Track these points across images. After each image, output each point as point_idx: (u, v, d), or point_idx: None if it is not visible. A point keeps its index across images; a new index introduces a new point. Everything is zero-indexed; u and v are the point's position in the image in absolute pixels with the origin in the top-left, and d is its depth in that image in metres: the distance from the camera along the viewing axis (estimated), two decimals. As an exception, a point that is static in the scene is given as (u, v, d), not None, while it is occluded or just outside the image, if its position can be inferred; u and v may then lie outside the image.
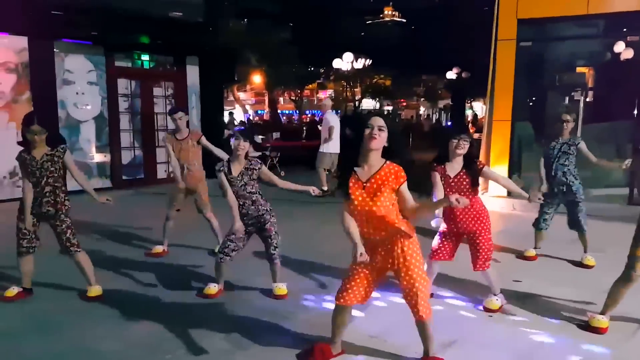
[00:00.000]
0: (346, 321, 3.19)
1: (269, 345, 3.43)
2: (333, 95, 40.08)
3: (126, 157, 9.96)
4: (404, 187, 2.86)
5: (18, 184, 7.67)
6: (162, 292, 4.45)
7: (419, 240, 3.06)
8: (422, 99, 43.20)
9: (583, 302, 4.15)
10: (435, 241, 4.17)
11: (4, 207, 7.43)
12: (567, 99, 9.23)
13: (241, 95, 36.35)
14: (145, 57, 10.38)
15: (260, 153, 12.08)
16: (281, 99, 40.33)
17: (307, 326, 3.68)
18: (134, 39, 9.78)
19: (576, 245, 5.41)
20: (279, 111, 32.12)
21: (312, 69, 29.33)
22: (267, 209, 4.23)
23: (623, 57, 9.60)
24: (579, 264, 5.28)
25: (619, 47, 9.52)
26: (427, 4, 29.74)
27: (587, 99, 9.92)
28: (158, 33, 9.98)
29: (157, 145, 10.27)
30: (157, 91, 10.52)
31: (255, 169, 4.15)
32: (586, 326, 3.66)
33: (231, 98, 33.76)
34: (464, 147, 3.93)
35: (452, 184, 3.97)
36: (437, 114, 44.01)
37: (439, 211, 4.24)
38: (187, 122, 5.59)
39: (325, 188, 8.98)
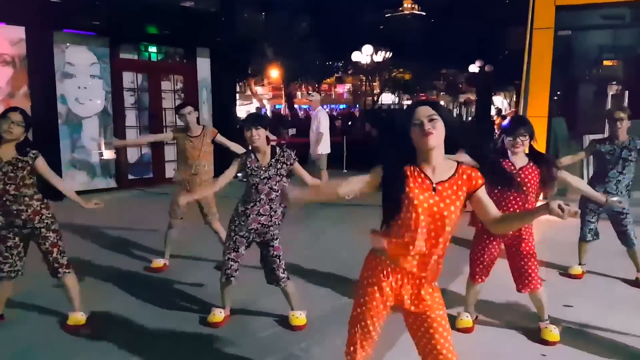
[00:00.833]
0: None
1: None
2: (351, 89, 39.61)
3: (133, 155, 9.41)
4: (483, 192, 2.15)
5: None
6: (158, 318, 3.84)
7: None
8: (442, 93, 42.37)
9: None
10: (473, 259, 3.55)
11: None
12: (609, 93, 8.41)
13: (258, 89, 35.94)
14: (152, 49, 9.82)
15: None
16: (298, 93, 39.92)
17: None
18: (141, 29, 9.22)
19: (623, 259, 4.70)
20: (295, 106, 31.64)
21: (331, 62, 28.77)
22: (278, 222, 3.59)
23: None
24: (635, 283, 4.57)
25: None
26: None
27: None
28: (167, 23, 9.42)
29: (165, 142, 9.71)
30: (166, 85, 9.95)
31: (287, 163, 3.52)
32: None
33: (248, 92, 33.35)
34: (522, 145, 3.30)
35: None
36: (458, 108, 43.20)
37: None
38: (198, 119, 4.99)
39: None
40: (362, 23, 25.89)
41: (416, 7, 48.12)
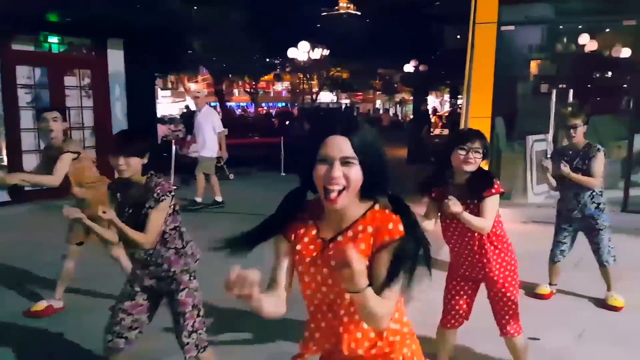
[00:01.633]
0: None
1: None
2: (290, 87, 39.13)
3: (30, 162, 8.12)
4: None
5: None
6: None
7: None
8: (379, 92, 42.81)
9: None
10: (444, 301, 2.88)
11: None
12: (554, 91, 8.16)
13: (192, 86, 34.64)
14: (53, 39, 8.69)
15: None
16: (235, 90, 39.00)
17: None
18: (38, 16, 8.06)
19: (588, 272, 4.35)
20: (233, 104, 30.77)
21: (268, 59, 28.22)
22: (174, 271, 2.61)
23: (609, 46, 8.71)
24: (604, 304, 4.10)
25: (583, 39, 8.69)
26: (382, -3, 29.13)
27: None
28: (72, 10, 8.29)
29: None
30: (70, 81, 8.79)
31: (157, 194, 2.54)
32: None
33: (181, 89, 32.07)
34: (475, 161, 2.60)
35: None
36: (394, 107, 43.76)
37: None
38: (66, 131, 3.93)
39: (220, 199, 7.90)
40: (299, 21, 25.58)
41: (352, 6, 48.40)
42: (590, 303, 4.17)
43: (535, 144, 7.68)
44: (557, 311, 4.06)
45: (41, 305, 3.92)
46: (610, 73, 10.33)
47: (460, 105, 8.59)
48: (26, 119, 8.12)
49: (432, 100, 36.93)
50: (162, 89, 31.59)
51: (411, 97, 29.83)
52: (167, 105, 34.45)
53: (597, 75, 9.20)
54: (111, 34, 8.98)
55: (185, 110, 21.48)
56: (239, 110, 34.01)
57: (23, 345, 3.39)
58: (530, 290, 4.35)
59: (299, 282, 1.52)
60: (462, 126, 7.82)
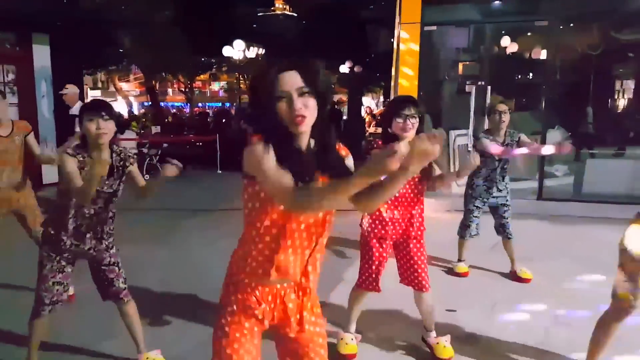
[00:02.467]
0: None
1: None
2: (227, 86, 38.62)
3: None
4: None
5: None
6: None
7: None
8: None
9: (540, 340, 3.25)
10: (368, 268, 3.05)
11: None
12: (473, 89, 8.67)
13: (124, 85, 33.52)
14: (-25, 34, 8.23)
15: (136, 150, 10.39)
16: (170, 90, 38.05)
17: None
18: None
19: (499, 251, 4.67)
20: (167, 103, 30.06)
21: (203, 58, 27.72)
22: (108, 234, 2.79)
23: (524, 45, 9.38)
24: (514, 277, 4.51)
25: (504, 41, 9.32)
26: (317, -1, 29.43)
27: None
28: (-7, 3, 7.89)
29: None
30: (-7, 76, 8.42)
31: (127, 164, 2.74)
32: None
33: (112, 89, 30.91)
34: (412, 127, 2.79)
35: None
36: (330, 107, 44.15)
37: None
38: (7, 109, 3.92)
39: None
40: (234, 20, 25.34)
41: (288, 7, 48.44)
42: (504, 279, 4.54)
43: (458, 138, 8.17)
44: (474, 287, 4.40)
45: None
46: (529, 74, 11.03)
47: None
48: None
49: (368, 101, 37.61)
50: (91, 89, 30.36)
51: (347, 98, 30.28)
52: (96, 104, 33.11)
53: (516, 75, 9.86)
54: (36, 28, 8.64)
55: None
56: (174, 110, 33.25)
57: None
58: (451, 270, 4.70)
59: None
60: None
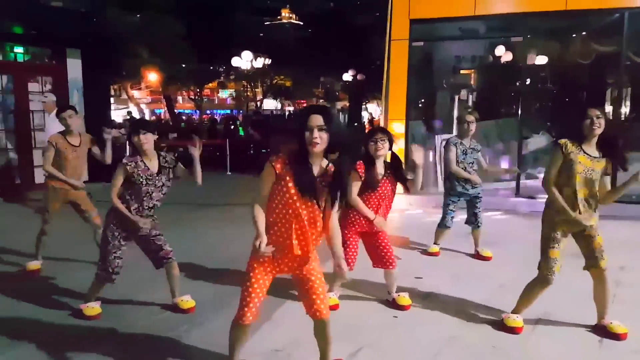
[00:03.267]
0: (247, 338, 2.90)
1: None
2: (234, 94, 39.59)
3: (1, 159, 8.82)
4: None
5: None
6: (35, 315, 3.86)
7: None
8: (322, 100, 43.82)
9: (484, 298, 4.20)
10: (348, 252, 3.95)
11: None
12: (456, 98, 9.63)
13: (136, 93, 34.55)
14: (18, 50, 9.34)
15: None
16: (180, 98, 38.98)
17: (204, 344, 3.35)
18: (4, 28, 8.68)
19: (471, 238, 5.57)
20: (176, 110, 30.94)
21: (212, 67, 28.58)
22: (156, 221, 3.85)
23: (504, 59, 10.28)
24: (478, 256, 5.42)
25: (499, 50, 10.20)
26: (322, 7, 30.18)
27: (474, 99, 10.45)
28: (34, 23, 8.98)
29: (34, 146, 9.23)
30: (33, 87, 9.46)
31: (171, 167, 3.77)
32: (501, 326, 3.63)
33: (124, 96, 31.93)
34: (383, 147, 3.72)
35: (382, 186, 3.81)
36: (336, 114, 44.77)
37: None
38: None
39: None
40: (241, 29, 26.07)
41: (294, 16, 49.34)
42: (467, 257, 5.50)
43: (444, 142, 9.05)
44: (440, 262, 5.38)
45: (33, 265, 4.87)
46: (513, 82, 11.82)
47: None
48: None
49: (373, 108, 38.21)
50: (105, 96, 31.39)
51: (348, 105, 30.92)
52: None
53: (497, 84, 10.72)
54: (70, 44, 9.70)
55: (128, 117, 22.01)
56: (184, 117, 34.16)
57: (19, 292, 4.33)
58: (425, 250, 5.67)
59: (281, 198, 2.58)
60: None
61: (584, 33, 9.62)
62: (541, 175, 3.69)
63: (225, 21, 23.67)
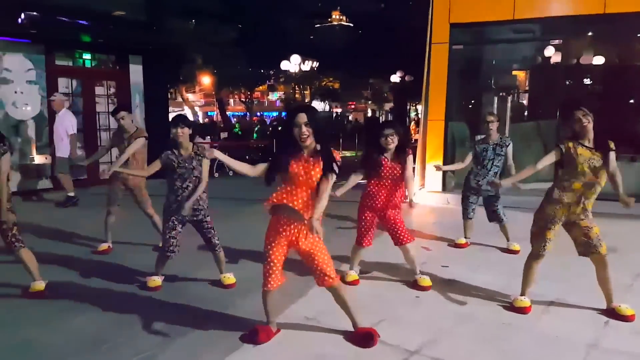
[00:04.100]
0: (275, 303, 3.45)
1: (212, 330, 3.59)
2: (283, 97, 40.42)
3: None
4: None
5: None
6: (105, 286, 4.53)
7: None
8: (370, 102, 44.00)
9: (504, 285, 4.49)
10: (361, 228, 4.47)
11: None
12: (495, 100, 9.79)
13: (190, 96, 35.97)
14: (86, 56, 10.25)
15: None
16: (231, 100, 40.18)
17: (249, 312, 3.85)
18: (75, 37, 9.63)
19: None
20: (228, 113, 32.01)
21: (262, 70, 29.41)
22: (204, 206, 4.39)
23: (548, 60, 10.35)
24: (506, 250, 5.67)
25: (549, 51, 10.27)
26: (373, 9, 30.39)
27: (515, 100, 10.54)
28: (100, 31, 9.87)
29: (99, 144, 10.13)
30: (99, 90, 10.40)
31: (201, 157, 4.31)
32: (511, 307, 3.98)
33: (179, 99, 33.34)
34: (393, 142, 4.23)
35: (387, 173, 4.29)
36: (384, 116, 44.89)
37: None
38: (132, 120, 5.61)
39: (72, 194, 8.26)
40: (291, 32, 26.68)
41: (344, 18, 49.73)
42: (496, 250, 5.76)
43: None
44: (468, 253, 5.69)
45: (104, 246, 5.59)
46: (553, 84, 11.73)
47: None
48: (65, 121, 9.69)
49: (421, 110, 37.86)
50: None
51: (393, 106, 30.95)
52: (165, 113, 35.47)
53: (538, 86, 10.77)
54: (132, 51, 10.56)
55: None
56: (235, 119, 35.15)
57: (90, 272, 5.00)
58: (452, 242, 5.97)
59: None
60: (421, 128, 9.43)
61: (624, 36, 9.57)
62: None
63: (276, 26, 24.34)
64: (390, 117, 41.03)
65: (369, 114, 42.59)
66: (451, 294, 4.34)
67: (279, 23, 25.45)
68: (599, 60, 10.11)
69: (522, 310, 3.92)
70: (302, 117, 3.08)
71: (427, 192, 8.67)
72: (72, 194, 8.21)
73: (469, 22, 8.71)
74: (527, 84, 10.98)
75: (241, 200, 8.71)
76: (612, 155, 3.71)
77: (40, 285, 4.25)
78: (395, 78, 25.92)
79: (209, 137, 14.50)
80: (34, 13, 8.84)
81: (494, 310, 4.00)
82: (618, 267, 4.16)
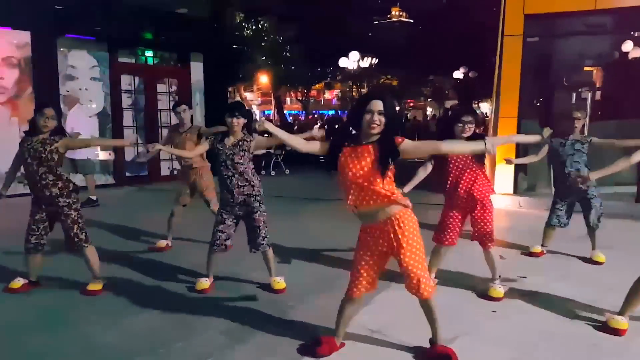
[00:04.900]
0: (354, 313, 3.15)
1: (268, 338, 3.36)
2: (340, 95, 40.23)
3: (129, 154, 9.92)
4: (406, 144, 2.85)
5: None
6: (162, 285, 4.40)
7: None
8: (430, 100, 43.06)
9: (590, 299, 4.03)
10: (442, 223, 4.12)
11: (9, 202, 7.39)
12: (574, 96, 9.07)
13: (248, 95, 36.48)
14: (149, 54, 10.41)
15: (265, 151, 12.06)
16: (288, 99, 40.44)
17: (307, 319, 3.61)
18: (137, 35, 9.77)
19: (585, 242, 5.29)
20: (285, 111, 32.17)
21: (320, 68, 29.29)
22: (257, 193, 4.12)
23: (631, 55, 9.48)
24: (589, 260, 5.17)
25: (627, 45, 9.41)
26: (434, 4, 29.59)
27: (595, 97, 9.77)
28: (162, 29, 9.96)
29: (160, 142, 10.20)
30: (161, 88, 10.51)
31: (247, 141, 4.08)
32: (604, 327, 3.51)
33: (238, 98, 33.86)
34: (470, 130, 3.88)
35: (459, 161, 4.00)
36: (444, 114, 43.70)
37: None
38: (192, 117, 5.56)
39: (95, 197, 7.93)
40: (350, 29, 26.40)
41: (404, 14, 48.90)
42: (577, 260, 5.22)
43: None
44: (544, 264, 5.17)
45: (162, 243, 5.51)
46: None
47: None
48: (127, 118, 9.89)
49: (488, 108, 36.77)
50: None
51: (456, 103, 30.00)
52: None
53: (621, 82, 9.89)
54: (193, 49, 10.62)
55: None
56: (291, 117, 35.21)
57: (148, 270, 4.90)
58: (526, 250, 5.48)
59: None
60: (492, 125, 8.90)
61: None
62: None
63: (335, 24, 24.14)
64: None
65: (429, 111, 41.59)
66: (532, 306, 3.92)
67: (338, 21, 25.23)
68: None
69: (617, 332, 3.42)
70: (378, 105, 2.79)
71: (497, 194, 8.12)
72: (94, 197, 7.90)
73: (545, 13, 8.13)
74: (609, 80, 10.11)
75: (297, 198, 8.51)
76: None
77: (98, 284, 4.19)
78: (459, 74, 25.09)
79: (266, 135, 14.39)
80: (99, 12, 8.99)
81: (580, 327, 3.55)
82: None
